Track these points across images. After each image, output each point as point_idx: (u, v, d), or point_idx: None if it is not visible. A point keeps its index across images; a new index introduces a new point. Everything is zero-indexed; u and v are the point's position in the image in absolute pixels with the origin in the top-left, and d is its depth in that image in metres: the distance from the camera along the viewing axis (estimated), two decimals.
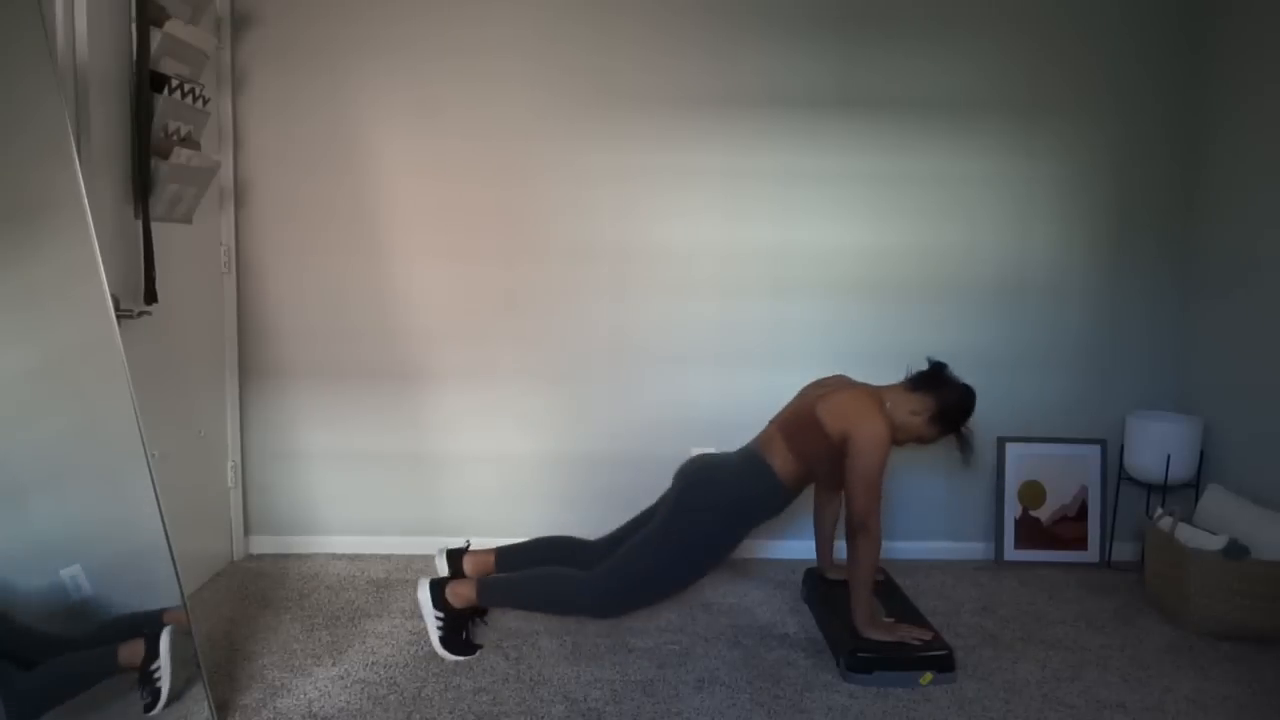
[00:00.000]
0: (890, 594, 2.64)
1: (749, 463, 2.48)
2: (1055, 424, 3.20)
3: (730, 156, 3.07)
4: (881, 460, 2.32)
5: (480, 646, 2.45)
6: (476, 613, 2.53)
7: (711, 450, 2.67)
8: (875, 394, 2.47)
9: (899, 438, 2.47)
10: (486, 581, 2.47)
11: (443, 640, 2.40)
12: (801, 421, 2.45)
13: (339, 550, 3.20)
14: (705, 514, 2.42)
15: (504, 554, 2.64)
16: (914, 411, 2.45)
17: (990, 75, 3.06)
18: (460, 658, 2.39)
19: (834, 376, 2.64)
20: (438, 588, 2.44)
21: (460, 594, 2.43)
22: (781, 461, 2.44)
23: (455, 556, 2.65)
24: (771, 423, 2.58)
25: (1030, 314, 3.15)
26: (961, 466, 2.72)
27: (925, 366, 2.54)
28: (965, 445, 2.51)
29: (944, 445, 3.16)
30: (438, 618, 2.41)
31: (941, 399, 2.45)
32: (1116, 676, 2.35)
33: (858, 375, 3.20)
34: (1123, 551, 3.21)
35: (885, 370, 3.13)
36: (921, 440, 2.50)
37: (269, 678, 2.29)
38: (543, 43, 3.03)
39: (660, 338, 3.15)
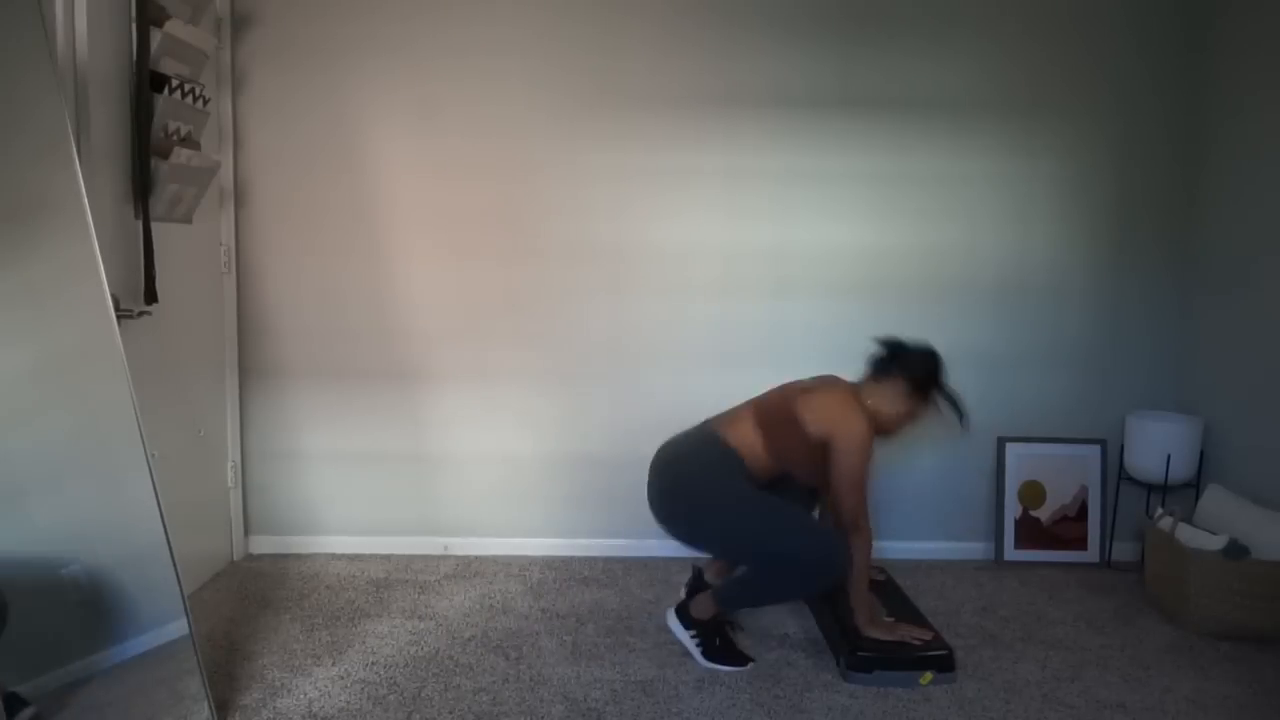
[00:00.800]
0: (890, 594, 2.63)
1: (710, 450, 2.37)
2: (1055, 424, 3.20)
3: (731, 156, 3.07)
4: (865, 459, 2.30)
5: (751, 659, 2.39)
6: (728, 621, 2.50)
7: (664, 454, 2.48)
8: (855, 393, 2.41)
9: (890, 429, 2.42)
10: (719, 588, 2.43)
11: (704, 653, 2.39)
12: (781, 415, 2.37)
13: (339, 550, 3.20)
14: (706, 498, 2.34)
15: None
16: (890, 399, 2.39)
17: (991, 75, 3.06)
18: (731, 668, 2.36)
19: (819, 377, 2.55)
20: (683, 610, 2.44)
21: (701, 606, 2.42)
22: (751, 450, 2.35)
23: (696, 581, 2.63)
24: (746, 405, 2.47)
25: (1030, 314, 3.15)
26: (960, 431, 2.52)
27: (879, 350, 2.46)
28: (955, 407, 2.42)
29: (944, 443, 3.17)
30: (692, 636, 2.40)
31: (908, 373, 2.39)
32: (1116, 676, 2.35)
33: (857, 375, 3.20)
34: (1123, 551, 3.21)
35: None
36: (912, 419, 2.43)
37: (269, 678, 2.29)
38: (542, 42, 3.03)
39: (660, 338, 3.15)
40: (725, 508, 2.33)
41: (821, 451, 2.34)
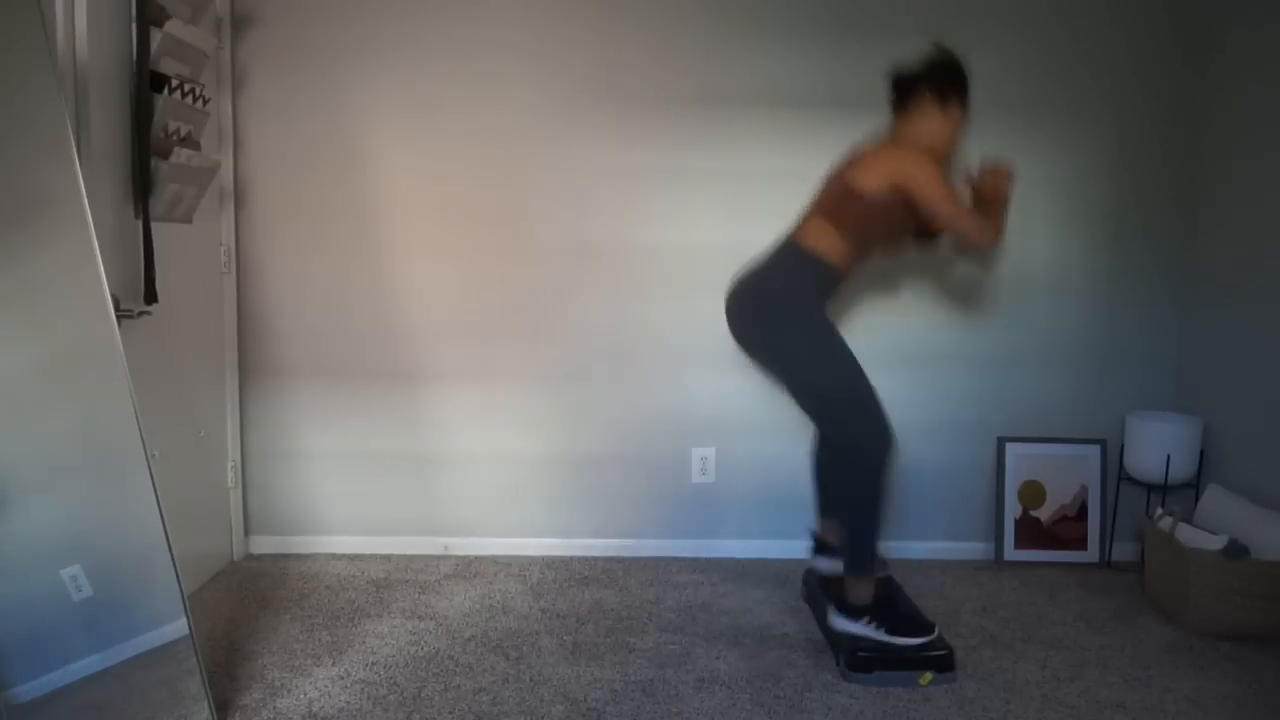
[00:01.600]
0: (891, 593, 2.63)
1: (789, 258, 2.42)
2: (1055, 424, 3.20)
3: (730, 157, 3.07)
4: (937, 176, 2.30)
5: (934, 624, 2.35)
6: (888, 589, 2.47)
7: (745, 274, 2.50)
8: (893, 140, 2.44)
9: (943, 149, 2.43)
10: (845, 560, 2.42)
11: (890, 632, 2.32)
12: (839, 196, 2.39)
13: (339, 550, 3.20)
14: (787, 327, 2.38)
15: (822, 507, 2.73)
16: (926, 122, 2.40)
17: (986, 77, 3.05)
18: (921, 639, 2.30)
19: (853, 151, 2.51)
20: (841, 603, 2.38)
21: (856, 590, 2.38)
22: (829, 243, 2.37)
23: (819, 547, 2.64)
24: (809, 208, 2.49)
25: (1029, 314, 3.15)
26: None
27: (890, 89, 2.48)
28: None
29: (938, 439, 3.17)
30: (867, 623, 2.34)
31: (931, 86, 2.40)
32: (1116, 676, 2.35)
33: None
34: (1123, 551, 3.21)
35: (885, 369, 3.13)
36: (959, 127, 2.44)
37: (269, 678, 2.29)
38: (543, 44, 3.03)
39: (660, 338, 3.15)
40: (804, 343, 2.37)
41: (891, 211, 2.36)
